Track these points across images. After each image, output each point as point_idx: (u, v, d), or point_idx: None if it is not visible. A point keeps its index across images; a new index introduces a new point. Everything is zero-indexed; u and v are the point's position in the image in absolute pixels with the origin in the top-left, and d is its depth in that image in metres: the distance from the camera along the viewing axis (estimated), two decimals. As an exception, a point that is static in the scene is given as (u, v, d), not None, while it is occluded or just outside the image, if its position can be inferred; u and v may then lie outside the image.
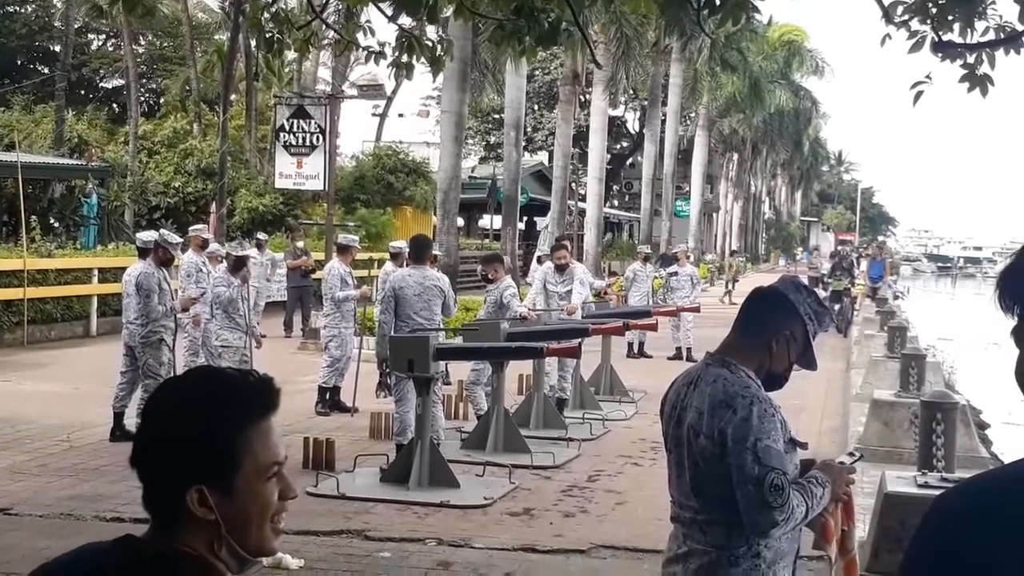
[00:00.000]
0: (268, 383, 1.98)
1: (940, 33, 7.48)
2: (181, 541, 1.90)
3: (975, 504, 1.59)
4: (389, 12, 9.64)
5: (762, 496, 3.45)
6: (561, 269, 15.49)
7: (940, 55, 7.54)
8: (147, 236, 12.87)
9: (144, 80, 52.81)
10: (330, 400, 14.24)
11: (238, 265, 13.21)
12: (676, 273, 22.73)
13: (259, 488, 1.95)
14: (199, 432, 1.90)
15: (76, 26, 45.64)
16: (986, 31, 7.60)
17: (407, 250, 12.81)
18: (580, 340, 13.03)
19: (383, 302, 11.56)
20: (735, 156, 71.21)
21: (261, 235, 23.32)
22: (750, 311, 3.77)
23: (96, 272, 21.98)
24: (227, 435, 1.92)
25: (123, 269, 21.18)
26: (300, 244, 23.85)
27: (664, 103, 48.77)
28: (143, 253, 12.55)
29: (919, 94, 7.67)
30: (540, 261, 21.39)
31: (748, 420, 3.48)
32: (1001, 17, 7.64)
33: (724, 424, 3.50)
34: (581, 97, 42.80)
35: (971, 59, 7.62)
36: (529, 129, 56.13)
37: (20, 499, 9.49)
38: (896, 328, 16.44)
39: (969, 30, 7.54)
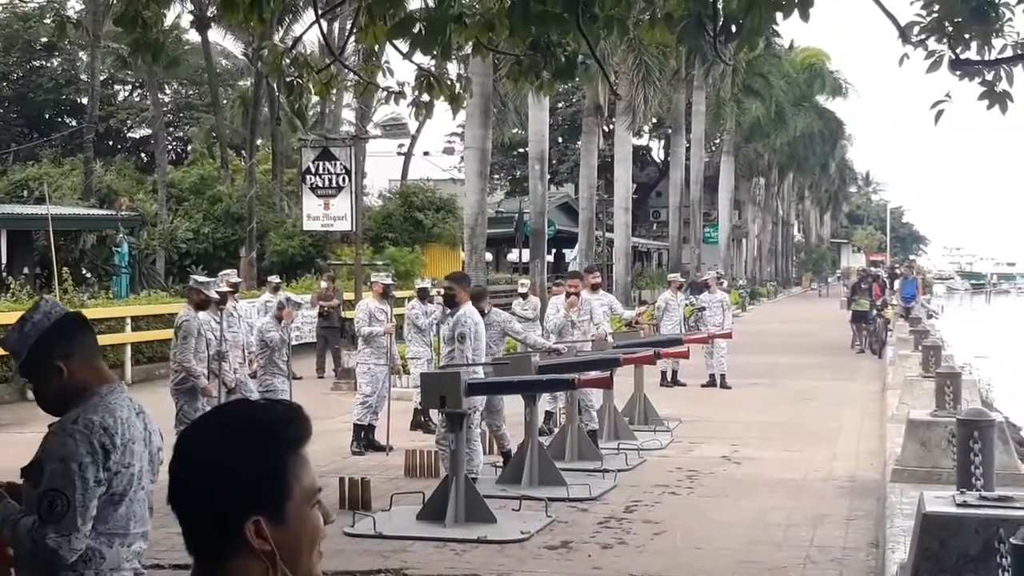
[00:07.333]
0: (299, 410, 2.01)
1: (958, 51, 7.47)
2: None
3: None
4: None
5: None
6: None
7: (958, 73, 7.53)
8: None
9: (171, 128, 53.41)
10: (365, 439, 14.28)
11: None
12: (704, 308, 22.64)
13: (308, 514, 1.97)
14: (253, 462, 1.92)
15: (102, 78, 46.19)
16: (1004, 48, 7.58)
17: (455, 290, 12.32)
18: (611, 370, 13.03)
19: (476, 339, 11.61)
20: (761, 181, 71.04)
21: (274, 278, 23.37)
22: None
23: (129, 320, 22.13)
24: (279, 462, 1.94)
25: (155, 317, 21.55)
26: (324, 284, 23.92)
27: (688, 131, 48.80)
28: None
29: (939, 113, 7.66)
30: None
31: None
32: (1018, 34, 7.62)
33: None
34: (605, 127, 42.86)
35: (989, 76, 7.60)
36: (554, 161, 56.24)
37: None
38: (930, 347, 16.28)
39: (987, 47, 7.52)
